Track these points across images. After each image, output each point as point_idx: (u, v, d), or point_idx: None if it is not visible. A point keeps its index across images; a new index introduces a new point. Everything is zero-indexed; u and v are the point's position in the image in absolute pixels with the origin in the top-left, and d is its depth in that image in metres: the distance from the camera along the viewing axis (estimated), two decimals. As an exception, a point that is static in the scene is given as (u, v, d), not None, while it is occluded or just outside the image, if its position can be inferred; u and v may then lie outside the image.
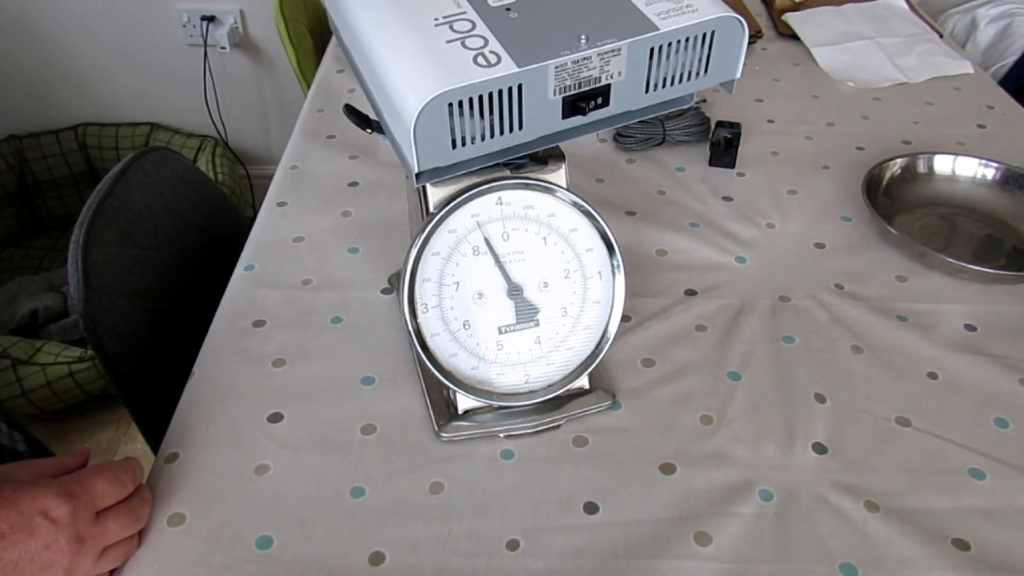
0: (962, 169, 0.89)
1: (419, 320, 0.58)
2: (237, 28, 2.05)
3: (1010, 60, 1.49)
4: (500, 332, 0.60)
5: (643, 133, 0.94)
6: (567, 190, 0.58)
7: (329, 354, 0.69)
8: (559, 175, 0.58)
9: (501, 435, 0.63)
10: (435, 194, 0.55)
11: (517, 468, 0.61)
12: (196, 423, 0.63)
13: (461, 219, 0.56)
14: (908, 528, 0.57)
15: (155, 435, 0.65)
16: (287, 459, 0.61)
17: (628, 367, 0.69)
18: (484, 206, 0.56)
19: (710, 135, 0.93)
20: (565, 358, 0.63)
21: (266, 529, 0.56)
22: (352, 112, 0.58)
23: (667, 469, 0.61)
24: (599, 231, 0.60)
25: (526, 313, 0.60)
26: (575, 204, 0.59)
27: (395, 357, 0.69)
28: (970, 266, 0.76)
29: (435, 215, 0.55)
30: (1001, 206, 0.87)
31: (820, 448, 0.62)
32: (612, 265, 0.61)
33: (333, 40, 1.23)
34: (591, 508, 0.58)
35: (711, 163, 0.93)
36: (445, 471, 0.60)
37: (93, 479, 0.49)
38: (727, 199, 0.88)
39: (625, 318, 0.73)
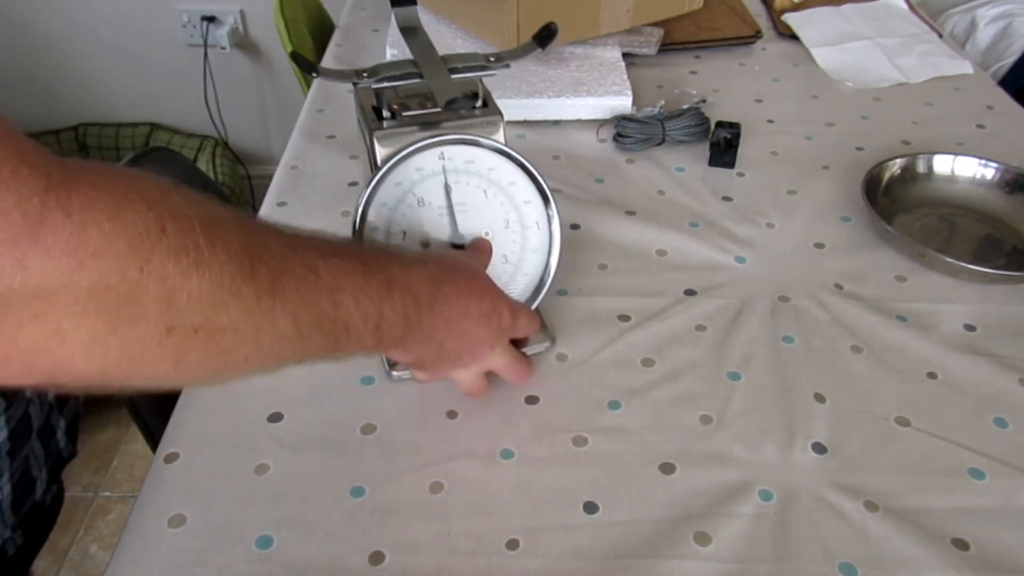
0: (962, 169, 0.89)
1: None
2: (237, 28, 2.05)
3: (1010, 60, 1.49)
4: None
5: (643, 133, 0.94)
6: (505, 145, 0.63)
7: (329, 354, 0.69)
8: (498, 132, 0.63)
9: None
10: (382, 150, 0.60)
11: (517, 468, 0.61)
12: (196, 423, 0.63)
13: (406, 172, 0.61)
14: (908, 528, 0.57)
15: (155, 435, 0.65)
16: (287, 459, 0.61)
17: (628, 367, 0.69)
18: (427, 160, 0.61)
19: (710, 135, 0.93)
20: None
21: (266, 529, 0.56)
22: (298, 59, 0.64)
23: (667, 469, 0.61)
24: (535, 184, 0.65)
25: None
26: (512, 159, 0.63)
27: (395, 357, 0.69)
28: (970, 266, 0.76)
29: (382, 168, 0.60)
30: (1001, 206, 0.87)
31: (820, 448, 0.62)
32: (548, 215, 0.66)
33: (333, 40, 1.23)
34: (591, 508, 0.58)
35: (711, 163, 0.93)
36: (445, 471, 0.60)
37: (524, 316, 0.61)
38: (727, 199, 0.88)
39: (625, 318, 0.73)
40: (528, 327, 0.62)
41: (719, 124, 0.92)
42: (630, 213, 0.86)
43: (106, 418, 1.70)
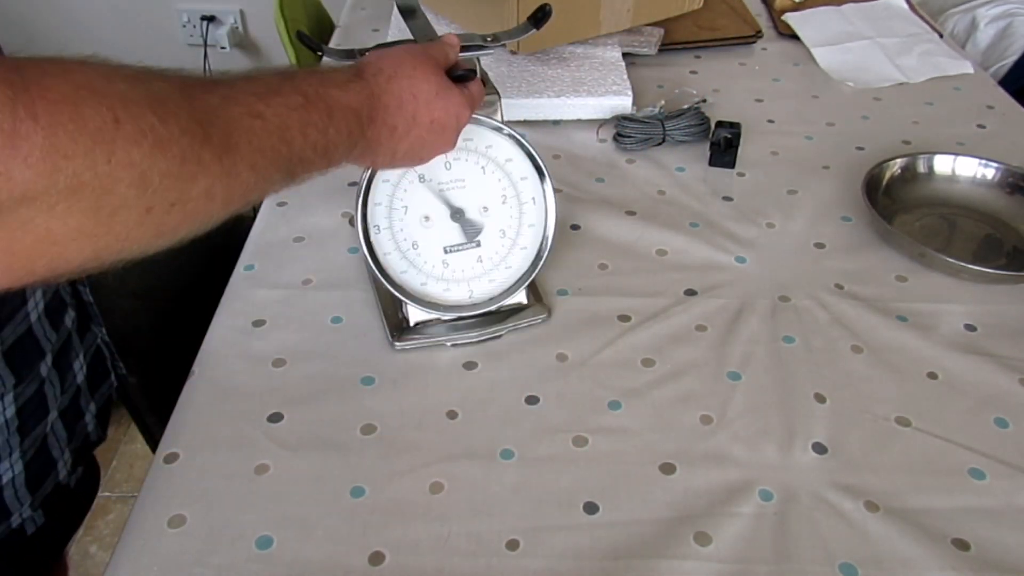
0: (962, 169, 0.89)
1: (372, 240, 0.66)
2: (237, 28, 2.05)
3: (1010, 60, 1.49)
4: (446, 252, 0.68)
5: (643, 133, 0.94)
6: (502, 123, 0.66)
7: (329, 354, 0.69)
8: (495, 111, 0.67)
9: (448, 344, 0.70)
10: None
11: (517, 468, 0.61)
12: (196, 423, 0.63)
13: None
14: (908, 528, 0.57)
15: (155, 435, 0.65)
16: (287, 459, 0.61)
17: (628, 367, 0.69)
18: None
19: (710, 135, 0.93)
20: (505, 276, 0.71)
21: (266, 529, 0.56)
22: (304, 38, 0.65)
23: (667, 469, 0.61)
24: (532, 161, 0.68)
25: (468, 235, 0.68)
26: (510, 136, 0.67)
27: (395, 357, 0.69)
28: (970, 266, 0.76)
29: None
30: (1001, 206, 0.87)
31: (820, 448, 0.62)
32: (544, 192, 0.69)
33: (333, 40, 1.23)
34: (591, 508, 0.58)
35: (711, 163, 0.93)
36: (445, 471, 0.60)
37: (478, 89, 0.62)
38: (727, 199, 0.88)
39: (625, 318, 0.73)
40: (480, 99, 0.63)
41: (719, 124, 0.92)
42: (630, 213, 0.86)
43: (106, 418, 1.70)
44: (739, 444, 0.63)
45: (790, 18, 1.23)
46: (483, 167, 0.67)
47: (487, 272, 0.70)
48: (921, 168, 0.90)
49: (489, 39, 0.65)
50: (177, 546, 0.55)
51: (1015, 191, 0.87)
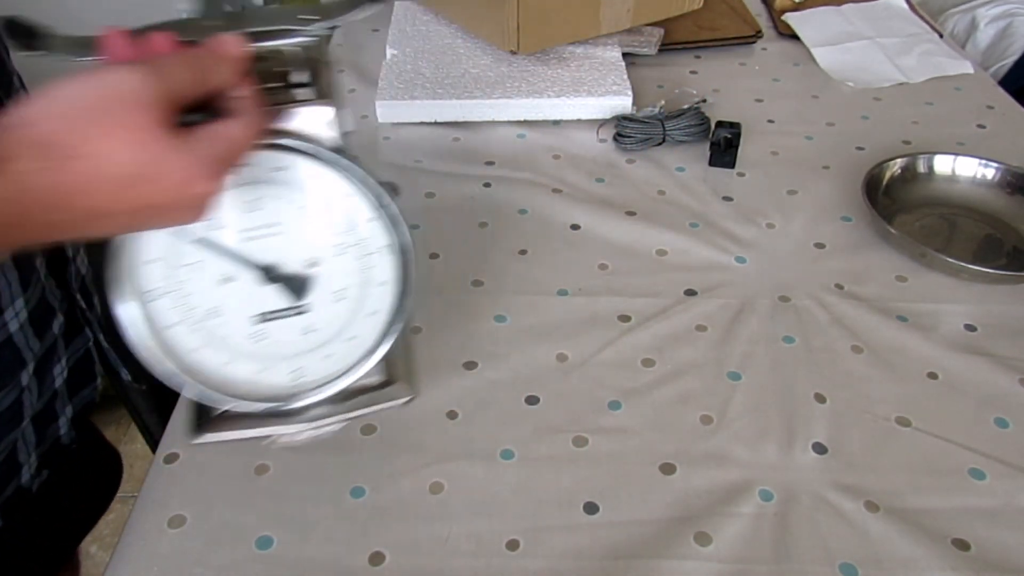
0: (962, 169, 0.89)
1: (147, 308, 0.47)
2: (237, 28, 2.04)
3: (1010, 60, 1.49)
4: (259, 321, 0.50)
5: (643, 133, 0.94)
6: (329, 148, 0.46)
7: (329, 354, 0.69)
8: (328, 125, 0.46)
9: (264, 442, 0.55)
10: None
11: (517, 468, 0.61)
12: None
13: None
14: (908, 528, 0.57)
15: (155, 435, 0.65)
16: (287, 459, 0.61)
17: (628, 367, 0.69)
18: None
19: (710, 135, 0.93)
20: (346, 350, 0.52)
21: (266, 529, 0.56)
22: (13, 27, 0.45)
23: (667, 469, 0.61)
24: (376, 197, 0.48)
25: (290, 298, 0.50)
26: (338, 165, 0.47)
27: (395, 357, 0.69)
28: (970, 266, 0.76)
29: None
30: (1001, 206, 0.87)
31: (820, 448, 0.62)
32: (398, 238, 0.50)
33: (333, 40, 1.23)
34: (591, 508, 0.58)
35: (711, 163, 0.93)
36: (445, 471, 0.60)
37: (242, 132, 0.41)
38: (727, 199, 0.88)
39: (625, 318, 0.73)
40: (247, 140, 0.41)
41: (719, 124, 0.92)
42: (630, 213, 0.86)
43: (106, 418, 1.70)
44: (739, 444, 0.63)
45: (790, 18, 1.23)
46: (304, 206, 0.47)
47: (322, 345, 0.52)
48: (921, 168, 0.90)
49: (306, 18, 0.46)
50: (177, 546, 0.55)
51: (1015, 191, 0.87)
